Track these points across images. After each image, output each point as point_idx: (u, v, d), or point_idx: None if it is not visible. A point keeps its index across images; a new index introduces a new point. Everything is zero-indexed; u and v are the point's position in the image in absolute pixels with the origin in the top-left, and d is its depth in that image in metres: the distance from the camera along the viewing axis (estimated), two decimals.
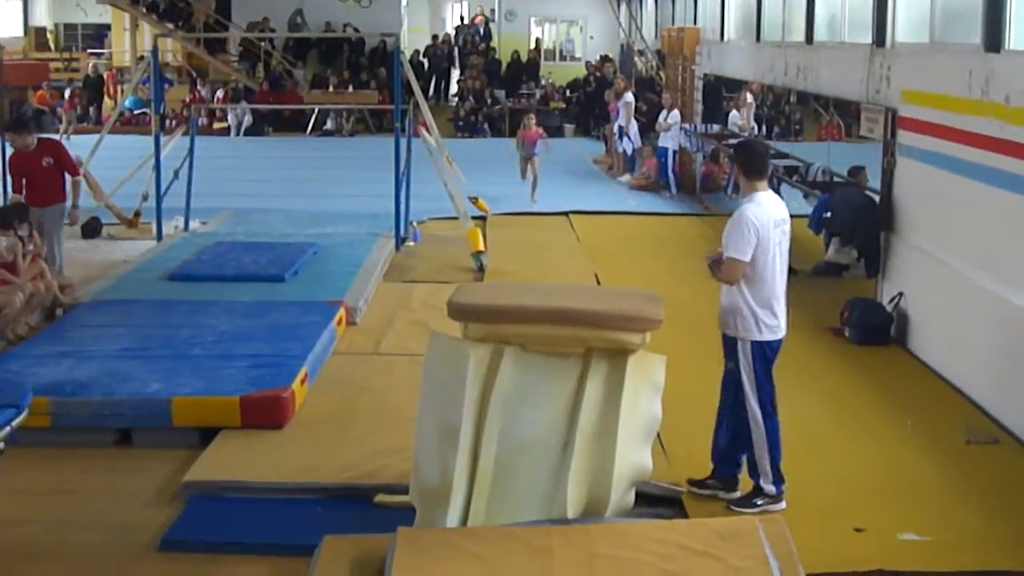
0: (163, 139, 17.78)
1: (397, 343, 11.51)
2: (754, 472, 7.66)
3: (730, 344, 7.65)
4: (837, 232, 14.29)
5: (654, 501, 7.62)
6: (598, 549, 6.24)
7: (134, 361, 9.99)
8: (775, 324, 7.64)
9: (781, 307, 7.69)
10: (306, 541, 6.88)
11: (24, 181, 13.37)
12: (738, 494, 7.73)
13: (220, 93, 33.81)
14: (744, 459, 7.72)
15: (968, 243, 10.26)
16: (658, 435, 7.45)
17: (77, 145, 18.82)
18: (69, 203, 13.64)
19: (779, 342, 7.73)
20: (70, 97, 32.53)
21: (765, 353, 7.61)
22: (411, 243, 16.80)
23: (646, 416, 7.06)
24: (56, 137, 14.75)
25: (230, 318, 11.51)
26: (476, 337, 7.06)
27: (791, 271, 14.50)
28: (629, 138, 23.80)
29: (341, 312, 11.87)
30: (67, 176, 13.67)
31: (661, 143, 22.30)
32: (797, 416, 9.51)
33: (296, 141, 32.14)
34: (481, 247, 15.30)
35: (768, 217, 7.55)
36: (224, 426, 8.94)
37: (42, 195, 13.36)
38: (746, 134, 23.01)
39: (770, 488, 7.60)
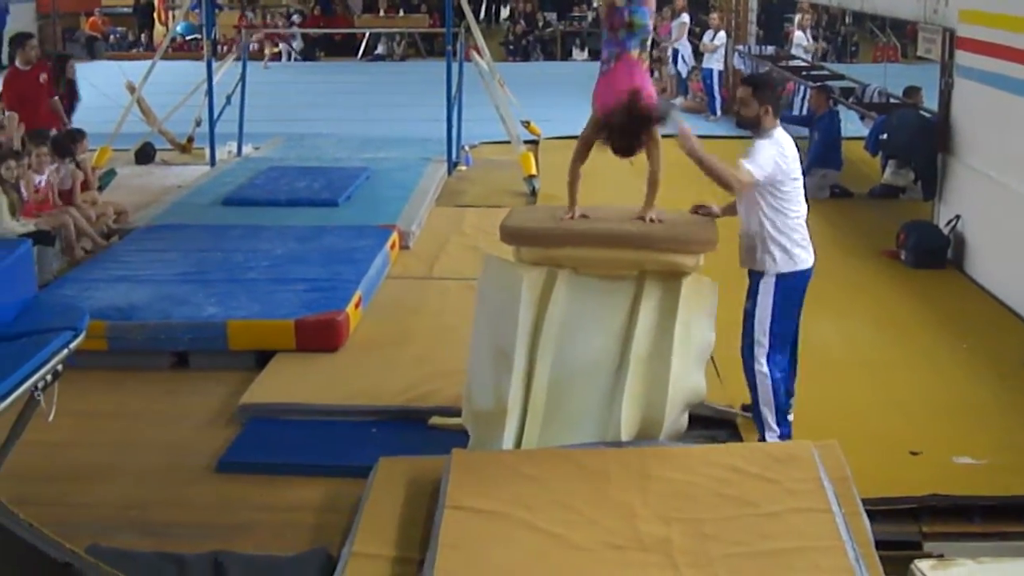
0: (215, 64, 17.77)
1: (450, 267, 11.51)
2: (757, 416, 7.35)
3: (756, 280, 7.25)
4: (894, 154, 14.14)
5: (708, 424, 7.60)
6: (652, 471, 6.25)
7: (189, 285, 10.06)
8: (803, 255, 7.22)
9: (807, 236, 7.29)
10: (361, 462, 6.93)
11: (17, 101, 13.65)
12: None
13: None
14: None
15: None
16: (712, 358, 7.42)
17: (131, 71, 18.81)
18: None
19: (809, 273, 7.31)
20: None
21: (791, 286, 7.21)
22: (463, 167, 16.74)
23: (700, 339, 7.03)
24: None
25: (284, 242, 11.54)
26: (529, 260, 7.05)
27: (847, 194, 14.55)
28: (683, 60, 23.58)
29: (394, 236, 11.88)
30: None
31: (706, 64, 22.08)
32: (853, 339, 9.48)
33: (347, 66, 32.11)
34: (533, 171, 15.23)
35: (792, 151, 7.18)
36: (279, 349, 9.00)
37: (40, 115, 13.63)
38: (809, 56, 22.73)
39: (771, 436, 7.29)
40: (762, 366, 7.23)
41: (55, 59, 14.68)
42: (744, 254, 7.29)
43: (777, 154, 7.05)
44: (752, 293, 7.26)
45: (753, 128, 7.22)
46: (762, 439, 7.30)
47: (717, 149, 18.51)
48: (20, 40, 14.46)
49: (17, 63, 14.05)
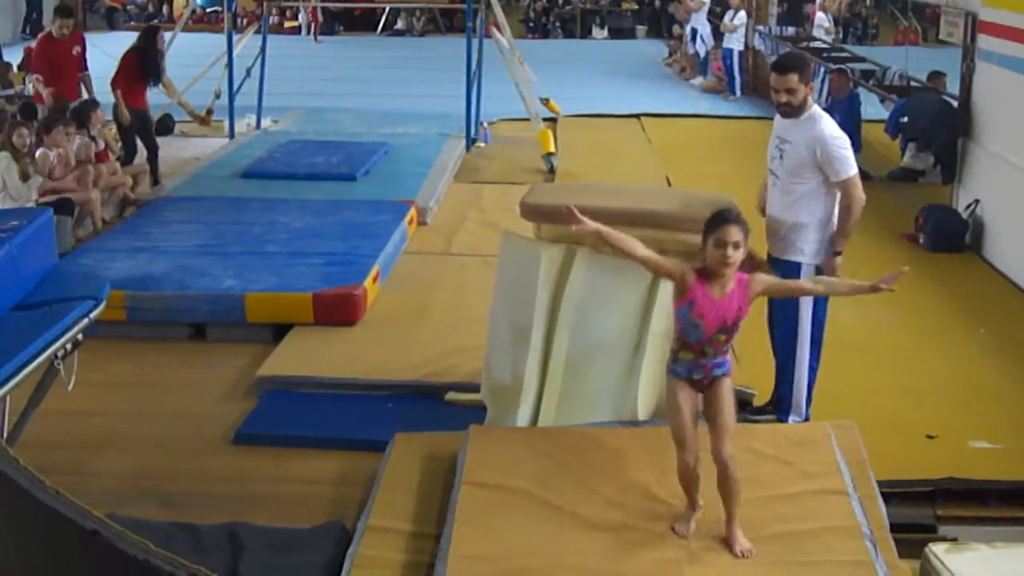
0: (235, 37, 17.77)
1: (468, 243, 11.52)
2: (785, 409, 7.27)
3: (790, 270, 7.01)
4: (914, 137, 14.10)
5: None
6: (669, 451, 6.23)
7: (208, 257, 10.09)
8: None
9: None
10: (377, 437, 6.94)
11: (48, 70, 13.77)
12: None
13: None
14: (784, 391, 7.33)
15: None
16: None
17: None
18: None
19: None
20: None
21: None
22: (482, 144, 16.74)
23: None
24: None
25: (302, 216, 11.57)
26: (549, 238, 7.04)
27: (867, 176, 14.51)
28: (702, 40, 23.51)
29: (412, 212, 11.90)
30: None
31: (726, 44, 21.99)
32: (870, 322, 9.46)
33: (367, 40, 32.07)
34: (552, 148, 15.22)
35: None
36: (297, 322, 9.02)
37: (67, 85, 13.78)
38: (831, 38, 22.64)
39: (798, 423, 7.18)
40: (804, 352, 7.15)
41: (145, 30, 14.66)
42: (780, 242, 7.11)
43: (848, 145, 6.98)
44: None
45: (797, 110, 7.04)
46: (783, 421, 7.24)
47: (737, 129, 18.49)
48: (60, 11, 14.47)
49: (52, 31, 14.08)
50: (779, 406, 7.31)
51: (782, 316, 7.19)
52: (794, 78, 6.96)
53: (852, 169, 6.96)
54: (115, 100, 13.52)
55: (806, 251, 7.04)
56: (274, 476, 6.97)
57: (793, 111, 7.01)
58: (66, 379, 6.39)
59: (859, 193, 6.99)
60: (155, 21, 32.36)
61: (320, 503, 6.61)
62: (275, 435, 7.40)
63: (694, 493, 5.56)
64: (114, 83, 13.72)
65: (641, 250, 5.53)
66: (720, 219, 5.37)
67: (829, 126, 6.99)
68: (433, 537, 5.78)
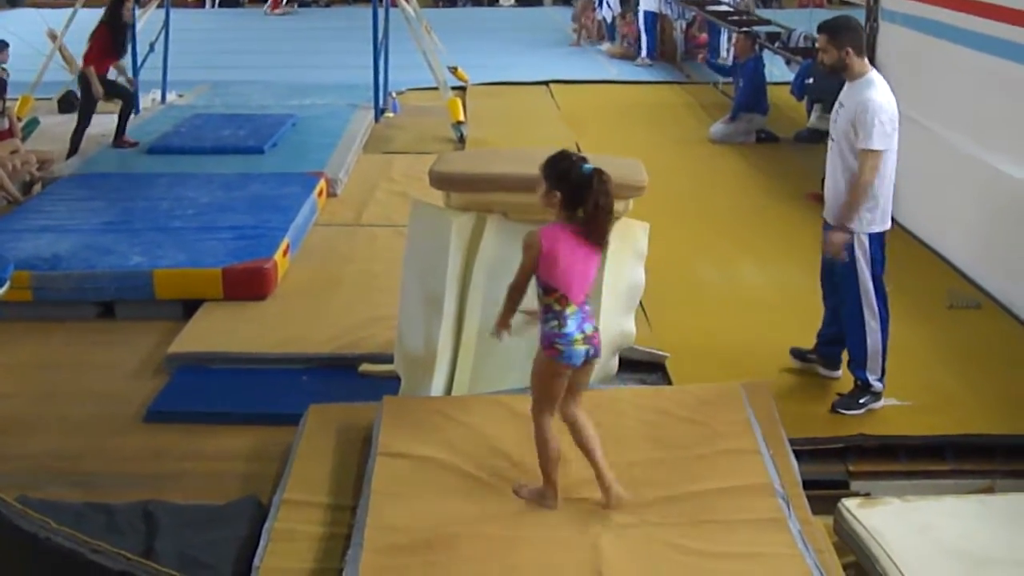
0: (137, 11, 17.53)
1: (379, 214, 11.47)
2: (861, 367, 7.20)
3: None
4: (819, 98, 14.22)
5: (638, 367, 7.64)
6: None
7: (115, 234, 9.96)
8: (890, 210, 7.15)
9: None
10: (292, 410, 6.89)
11: None
12: (839, 373, 7.51)
13: None
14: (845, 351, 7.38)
15: (951, 109, 10.20)
16: (640, 302, 7.45)
17: (52, 19, 18.54)
18: None
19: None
20: None
21: (882, 242, 7.12)
22: (390, 114, 16.68)
23: (629, 283, 7.06)
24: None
25: (210, 190, 11.46)
26: (458, 206, 7.02)
27: (774, 138, 14.62)
28: (608, 5, 23.55)
29: (322, 183, 11.83)
30: None
31: (642, 7, 22.02)
32: (779, 282, 9.53)
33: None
34: (461, 117, 15.20)
35: (892, 98, 7.01)
36: (207, 298, 8.94)
37: None
38: (739, 2, 22.69)
39: (877, 385, 7.20)
40: (872, 318, 7.12)
41: (111, 2, 14.49)
42: (840, 210, 7.08)
43: (889, 122, 6.90)
44: (848, 248, 7.05)
45: (843, 72, 7.02)
46: (865, 384, 7.17)
47: (646, 94, 18.49)
48: None
49: None
50: (855, 365, 7.23)
51: (845, 281, 7.15)
52: (824, 38, 7.02)
53: (878, 144, 6.84)
54: (88, 75, 13.61)
55: (863, 219, 6.99)
56: (187, 453, 6.91)
57: (835, 70, 7.05)
58: None
59: (870, 172, 6.86)
60: None
61: (235, 478, 6.57)
62: (187, 412, 7.35)
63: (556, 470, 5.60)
64: (87, 58, 13.71)
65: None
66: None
67: (879, 93, 6.91)
68: (350, 509, 5.77)
